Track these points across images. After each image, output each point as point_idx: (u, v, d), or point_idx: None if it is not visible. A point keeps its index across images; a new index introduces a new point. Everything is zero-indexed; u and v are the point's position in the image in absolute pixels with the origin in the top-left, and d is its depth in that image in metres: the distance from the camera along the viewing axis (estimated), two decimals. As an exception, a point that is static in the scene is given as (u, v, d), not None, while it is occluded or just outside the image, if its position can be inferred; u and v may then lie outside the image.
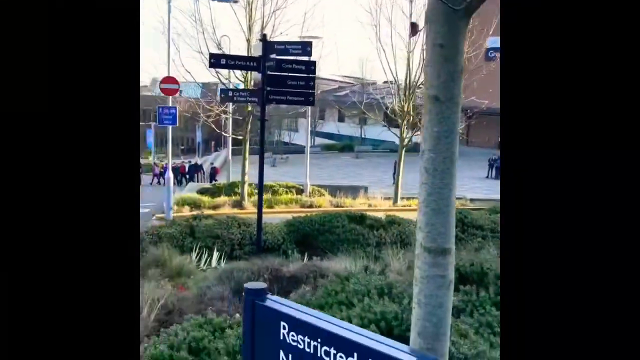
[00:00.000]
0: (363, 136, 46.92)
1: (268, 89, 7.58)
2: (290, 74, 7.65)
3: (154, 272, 6.73)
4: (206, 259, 7.36)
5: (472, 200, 17.95)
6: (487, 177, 33.64)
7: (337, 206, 15.14)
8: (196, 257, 7.34)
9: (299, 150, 43.16)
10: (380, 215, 9.53)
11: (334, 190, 18.12)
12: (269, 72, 7.56)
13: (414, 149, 45.84)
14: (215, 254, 7.43)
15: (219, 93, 12.37)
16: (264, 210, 14.30)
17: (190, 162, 31.61)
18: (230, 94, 8.29)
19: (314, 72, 7.78)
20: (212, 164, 36.54)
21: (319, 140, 48.43)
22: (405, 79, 15.44)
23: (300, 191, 17.13)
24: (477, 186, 28.22)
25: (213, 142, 60.22)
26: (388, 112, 16.33)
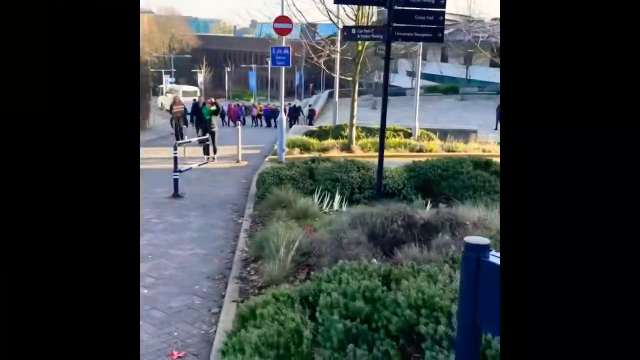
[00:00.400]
0: (468, 77, 44.67)
1: (394, 25, 7.13)
2: (419, 8, 7.14)
3: (280, 213, 6.79)
4: (328, 202, 7.30)
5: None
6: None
7: (449, 151, 14.54)
8: (318, 200, 7.30)
9: (399, 92, 42.04)
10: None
11: (442, 134, 17.49)
12: (395, 7, 7.09)
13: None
14: (337, 197, 7.35)
15: (337, 32, 11.99)
16: (371, 154, 14.18)
17: (290, 104, 31.68)
18: (353, 31, 7.90)
19: (444, 4, 7.19)
20: (310, 106, 36.66)
21: (421, 82, 46.81)
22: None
23: (408, 134, 16.64)
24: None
25: (311, 85, 60.32)
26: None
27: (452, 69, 44.73)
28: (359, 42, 13.32)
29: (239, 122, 22.92)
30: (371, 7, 13.35)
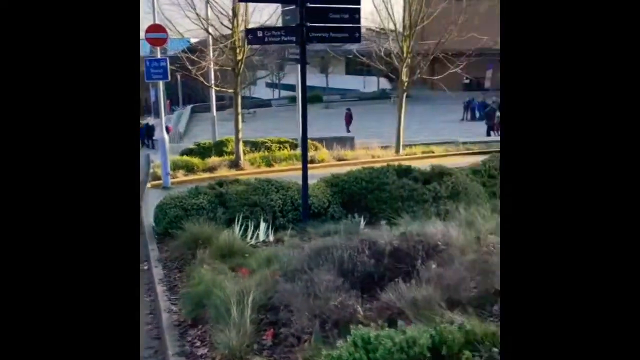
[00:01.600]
0: (328, 86, 45.59)
1: (308, 25, 6.30)
2: (332, 5, 6.39)
3: (202, 253, 5.56)
4: (253, 232, 6.22)
5: (464, 143, 17.27)
6: (463, 119, 33.19)
7: (339, 159, 14.16)
8: (240, 231, 6.18)
9: (264, 104, 41.42)
10: (413, 165, 8.48)
11: (321, 142, 17.09)
12: (308, 4, 6.26)
13: (379, 96, 44.97)
14: (263, 225, 6.30)
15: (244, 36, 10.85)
16: (263, 169, 13.22)
17: (147, 123, 28.81)
18: (259, 34, 6.87)
19: (358, 1, 6.52)
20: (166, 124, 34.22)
21: (282, 93, 46.70)
22: (404, 18, 14.26)
23: (294, 146, 15.93)
24: (459, 130, 27.70)
25: (168, 101, 57.20)
26: (382, 55, 15.12)
27: (312, 78, 45.18)
28: (238, 51, 12.34)
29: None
30: (247, 11, 12.46)
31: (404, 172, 7.73)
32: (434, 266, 4.02)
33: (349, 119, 29.11)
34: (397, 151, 15.03)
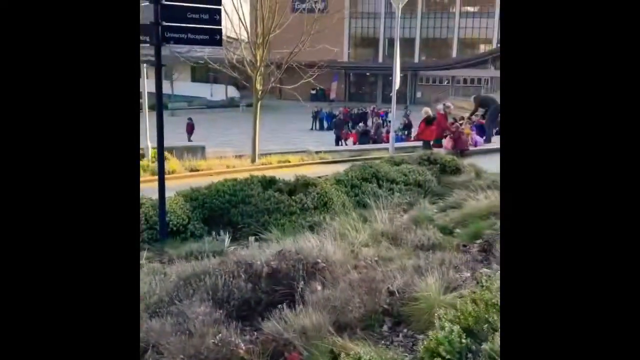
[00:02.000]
0: (172, 93, 43.83)
1: (164, 24, 5.69)
2: (190, 5, 5.85)
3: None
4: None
5: (317, 152, 17.57)
6: (312, 128, 34.02)
7: (193, 170, 13.38)
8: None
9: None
10: (272, 174, 8.20)
11: (171, 152, 16.15)
12: (164, 1, 5.65)
13: (228, 104, 44.45)
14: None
15: None
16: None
17: None
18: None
19: (219, 2, 6.06)
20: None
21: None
22: (256, 26, 14.03)
23: (141, 156, 14.75)
24: (309, 139, 28.22)
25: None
26: (235, 63, 14.73)
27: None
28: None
29: None
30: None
31: (269, 183, 7.42)
32: (319, 288, 3.73)
33: (190, 129, 28.39)
34: (253, 161, 14.70)
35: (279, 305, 3.51)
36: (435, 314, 2.79)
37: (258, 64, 13.98)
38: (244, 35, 14.83)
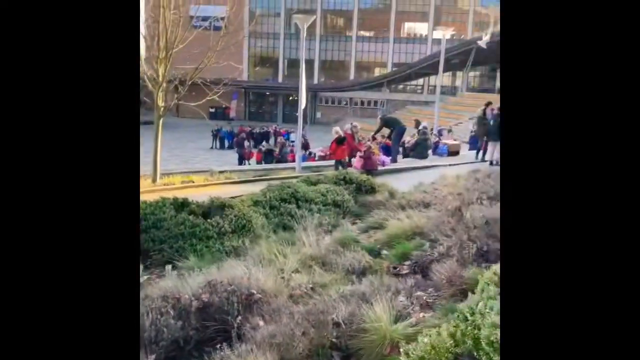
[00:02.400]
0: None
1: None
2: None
3: None
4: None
5: (221, 172, 17.08)
6: (212, 147, 33.12)
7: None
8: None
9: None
10: (176, 195, 7.68)
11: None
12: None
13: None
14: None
15: None
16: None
17: None
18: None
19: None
20: None
21: None
22: (159, 40, 13.35)
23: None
24: (211, 158, 27.41)
25: None
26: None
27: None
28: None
29: None
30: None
31: (181, 205, 6.91)
32: (260, 323, 3.39)
33: None
34: (154, 180, 13.85)
35: (219, 345, 3.13)
36: (401, 350, 2.58)
37: (160, 79, 13.28)
38: (142, 50, 14.08)
